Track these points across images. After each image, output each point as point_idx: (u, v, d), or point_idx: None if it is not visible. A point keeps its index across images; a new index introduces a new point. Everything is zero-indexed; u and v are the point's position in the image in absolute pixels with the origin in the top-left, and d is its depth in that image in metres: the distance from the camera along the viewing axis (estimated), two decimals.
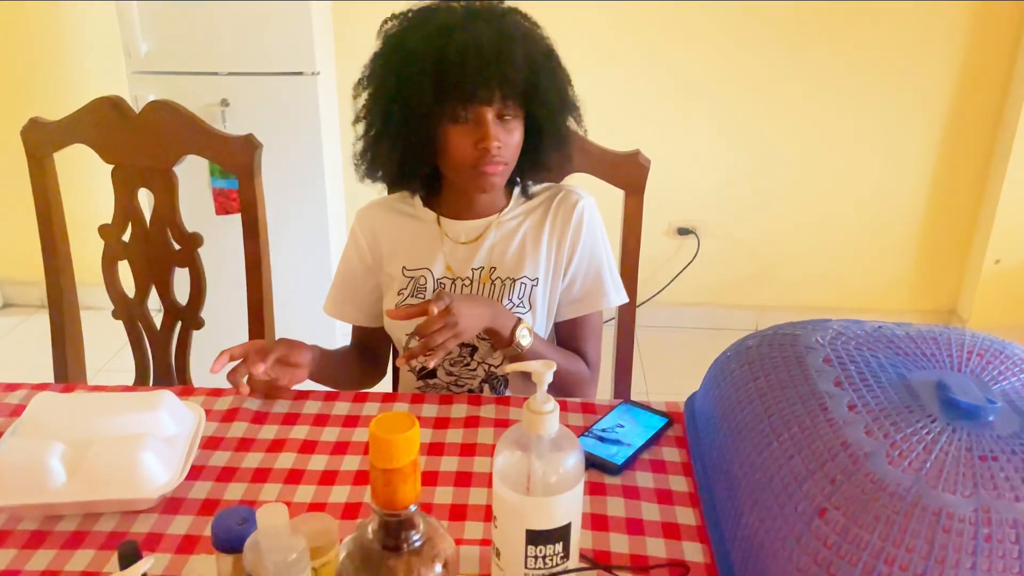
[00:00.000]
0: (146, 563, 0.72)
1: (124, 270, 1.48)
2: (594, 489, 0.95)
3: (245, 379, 1.07)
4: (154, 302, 1.49)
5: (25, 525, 0.89)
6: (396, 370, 1.40)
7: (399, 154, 1.15)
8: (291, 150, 2.34)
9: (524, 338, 1.13)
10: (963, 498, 0.67)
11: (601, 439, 1.03)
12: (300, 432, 1.07)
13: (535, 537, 0.71)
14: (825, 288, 3.01)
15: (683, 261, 2.98)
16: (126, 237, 1.47)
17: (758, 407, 0.85)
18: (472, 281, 1.23)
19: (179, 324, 1.50)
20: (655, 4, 2.66)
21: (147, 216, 1.46)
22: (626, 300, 1.30)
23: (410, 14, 1.13)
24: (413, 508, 0.60)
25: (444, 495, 0.95)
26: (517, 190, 1.26)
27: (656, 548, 0.87)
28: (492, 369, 1.24)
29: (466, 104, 1.08)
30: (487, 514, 0.91)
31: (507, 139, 1.11)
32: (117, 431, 0.96)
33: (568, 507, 0.71)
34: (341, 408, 1.12)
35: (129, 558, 0.72)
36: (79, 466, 0.91)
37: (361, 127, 1.18)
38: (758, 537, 0.76)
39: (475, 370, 1.24)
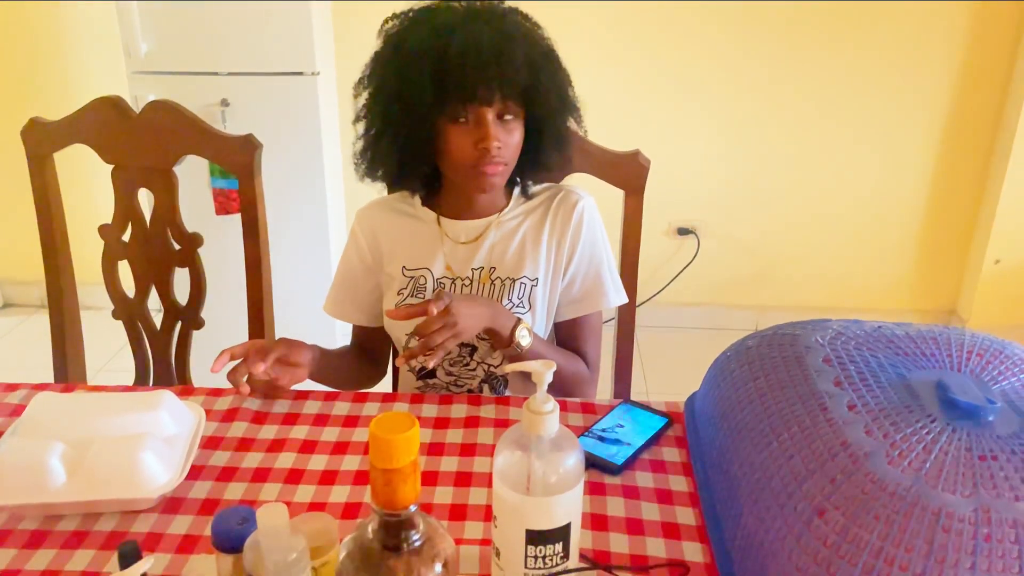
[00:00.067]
0: (146, 563, 0.72)
1: (124, 270, 1.48)
2: (594, 489, 0.95)
3: (245, 378, 1.07)
4: (154, 302, 1.49)
5: (25, 525, 0.89)
6: (396, 370, 1.40)
7: (399, 153, 1.15)
8: (291, 150, 2.34)
9: (524, 338, 1.13)
10: (963, 498, 0.67)
11: (601, 439, 1.03)
12: (300, 432, 1.07)
13: (535, 537, 0.71)
14: (825, 288, 3.01)
15: (683, 261, 2.98)
16: (126, 237, 1.47)
17: (758, 407, 0.85)
18: (472, 281, 1.23)
19: (179, 324, 1.50)
20: (655, 4, 2.66)
21: (147, 216, 1.46)
22: (626, 300, 1.30)
23: (411, 14, 1.13)
24: (413, 508, 0.60)
25: (444, 495, 0.95)
26: (517, 190, 1.26)
27: (656, 548, 0.87)
28: (492, 369, 1.24)
29: (466, 104, 1.08)
30: (487, 514, 0.91)
31: (507, 139, 1.11)
32: (117, 431, 0.96)
33: (568, 507, 0.71)
34: (341, 408, 1.13)
35: (129, 558, 0.72)
36: (79, 466, 0.91)
37: (361, 126, 1.18)
38: (758, 537, 0.76)
39: (475, 370, 1.24)
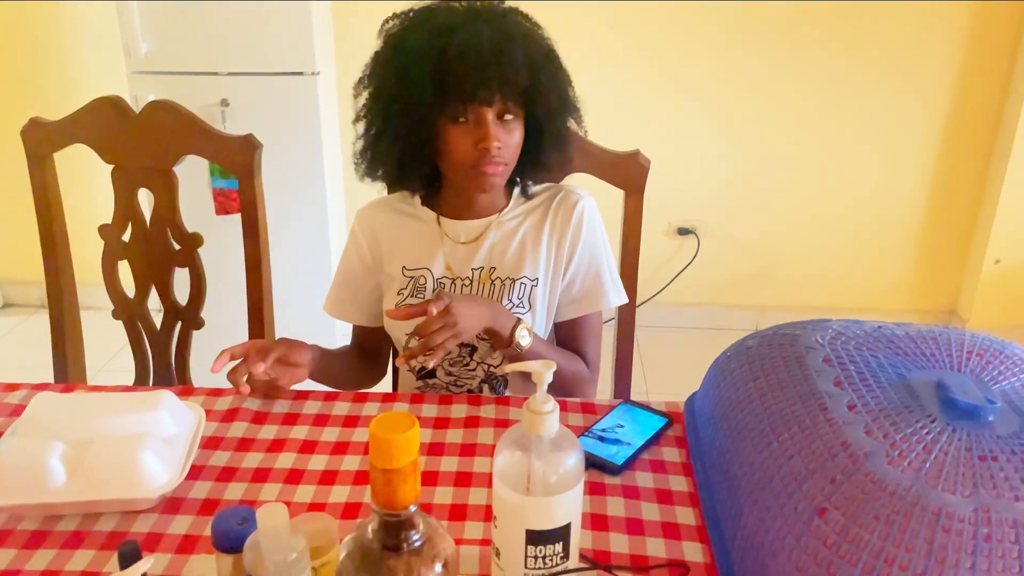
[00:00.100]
0: (146, 563, 0.72)
1: (124, 270, 1.48)
2: (594, 489, 0.95)
3: (245, 378, 1.07)
4: (154, 302, 1.49)
5: (25, 525, 0.89)
6: (396, 370, 1.40)
7: (399, 153, 1.15)
8: (291, 150, 2.34)
9: (524, 338, 1.13)
10: (963, 498, 0.67)
11: (601, 439, 1.03)
12: (300, 432, 1.07)
13: (535, 537, 0.71)
14: (825, 288, 3.01)
15: (683, 261, 2.98)
16: (126, 237, 1.47)
17: (758, 407, 0.85)
18: (472, 281, 1.23)
19: (179, 324, 1.50)
20: (655, 4, 2.66)
21: (147, 216, 1.46)
22: (626, 300, 1.30)
23: (411, 13, 1.13)
24: (413, 508, 0.60)
25: (444, 495, 0.95)
26: (517, 190, 1.26)
27: (656, 548, 0.87)
28: (491, 369, 1.24)
29: (466, 104, 1.08)
30: (487, 514, 0.91)
31: (507, 139, 1.11)
32: (117, 431, 0.96)
33: (568, 507, 0.71)
34: (341, 408, 1.13)
35: (129, 558, 0.72)
36: (79, 466, 0.91)
37: (361, 126, 1.18)
38: (758, 537, 0.76)
39: (474, 370, 1.24)
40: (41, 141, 1.43)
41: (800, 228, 2.94)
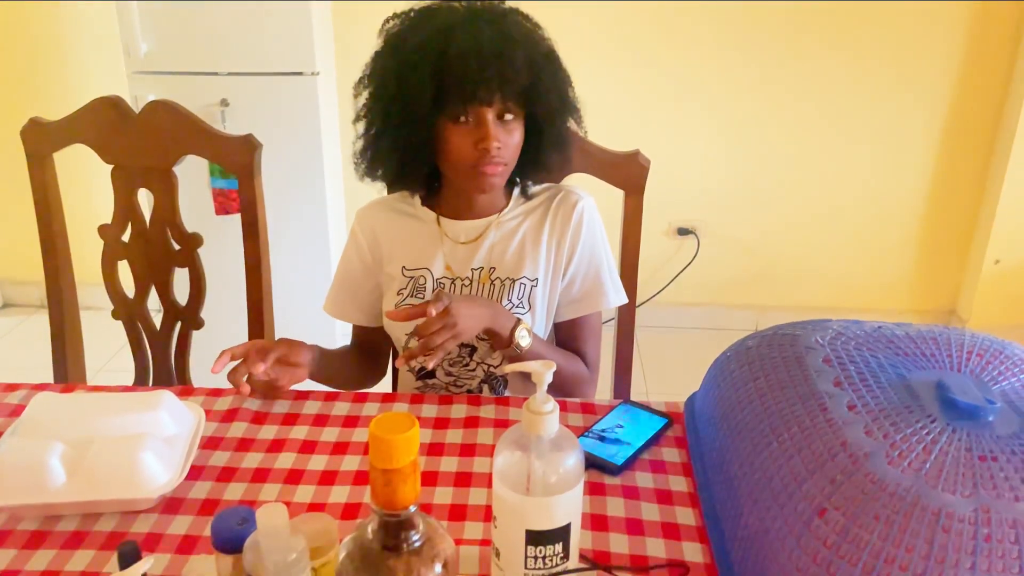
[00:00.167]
0: (146, 563, 0.72)
1: (124, 270, 1.48)
2: (594, 489, 0.95)
3: (245, 379, 1.07)
4: (154, 302, 1.49)
5: (25, 525, 0.89)
6: (396, 370, 1.40)
7: (399, 153, 1.15)
8: (291, 150, 2.34)
9: (523, 339, 1.13)
10: (963, 498, 0.67)
11: (601, 439, 1.03)
12: (300, 432, 1.07)
13: (535, 537, 0.71)
14: (825, 288, 3.01)
15: (683, 261, 2.98)
16: (126, 237, 1.47)
17: (758, 407, 0.85)
18: (471, 281, 1.23)
19: (179, 324, 1.50)
20: (655, 5, 2.66)
21: (147, 216, 1.46)
22: (625, 301, 1.30)
23: (411, 13, 1.13)
24: (413, 508, 0.60)
25: (444, 495, 0.95)
26: (517, 190, 1.26)
27: (656, 548, 0.87)
28: (491, 369, 1.24)
29: (466, 104, 1.08)
30: (487, 514, 0.91)
31: (507, 140, 1.11)
32: (117, 431, 0.96)
33: (568, 507, 0.71)
34: (341, 408, 1.12)
35: (129, 558, 0.72)
36: (79, 466, 0.91)
37: (361, 126, 1.18)
38: (758, 537, 0.76)
39: (474, 370, 1.24)
40: (41, 141, 1.43)
41: (800, 228, 2.94)
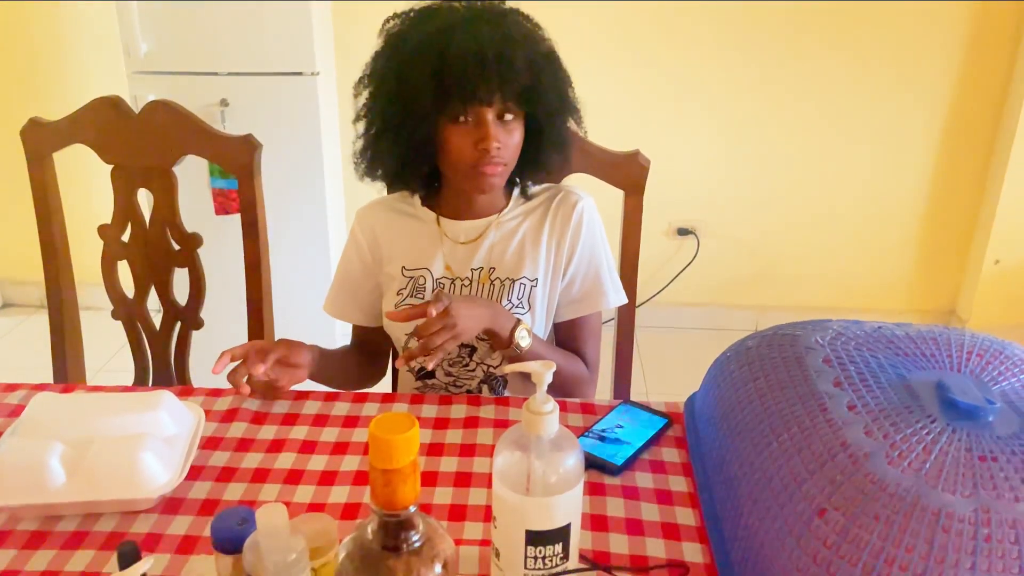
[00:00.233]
0: (146, 563, 0.72)
1: (124, 270, 1.48)
2: (594, 489, 0.95)
3: (245, 379, 1.07)
4: (153, 302, 1.49)
5: (25, 525, 0.89)
6: (395, 370, 1.40)
7: (399, 153, 1.15)
8: (291, 150, 2.34)
9: (523, 339, 1.13)
10: (963, 498, 0.67)
11: (601, 439, 1.03)
12: (300, 432, 1.07)
13: (535, 537, 0.71)
14: (825, 288, 3.01)
15: (683, 261, 2.98)
16: (125, 237, 1.47)
17: (758, 407, 0.85)
18: (471, 281, 1.23)
19: (178, 324, 1.49)
20: (656, 5, 2.66)
21: (147, 216, 1.46)
22: (625, 301, 1.30)
23: (412, 13, 1.13)
24: (412, 509, 0.60)
25: (444, 495, 0.95)
26: (516, 191, 1.26)
27: (656, 548, 0.87)
28: (491, 370, 1.24)
29: (466, 104, 1.08)
30: (487, 514, 0.91)
31: (507, 140, 1.11)
32: (117, 431, 0.96)
33: (568, 507, 0.71)
34: (341, 408, 1.12)
35: (129, 558, 0.72)
36: (79, 466, 0.91)
37: (361, 125, 1.18)
38: (758, 537, 0.76)
39: (474, 371, 1.24)
40: (41, 141, 1.43)
41: (800, 228, 2.94)
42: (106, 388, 1.16)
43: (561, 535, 0.72)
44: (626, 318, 1.43)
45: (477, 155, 1.10)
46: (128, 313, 1.50)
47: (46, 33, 2.79)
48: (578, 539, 0.75)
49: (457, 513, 0.92)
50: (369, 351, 1.35)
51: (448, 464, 1.01)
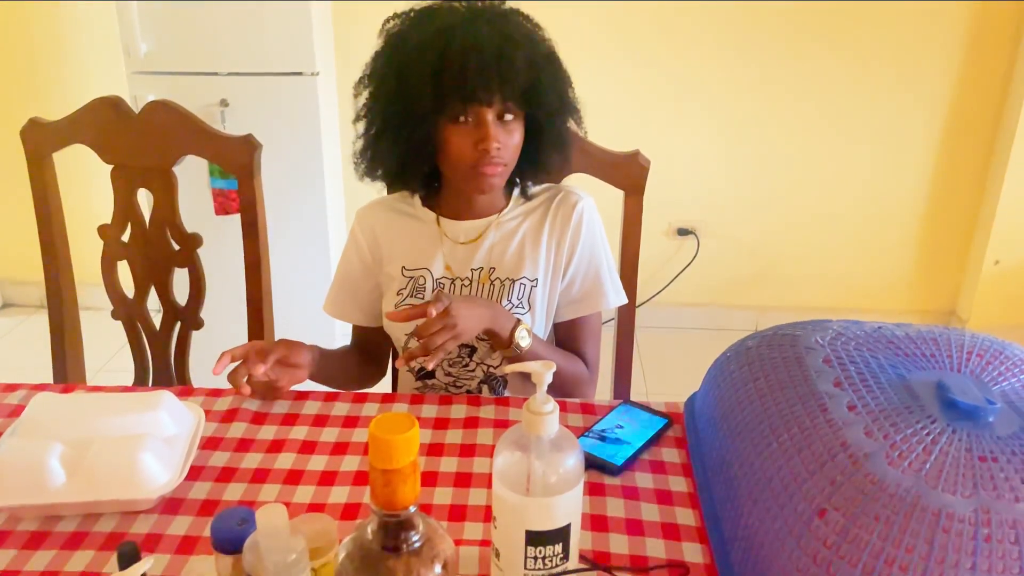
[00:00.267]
0: (145, 564, 0.72)
1: (123, 270, 1.48)
2: (594, 490, 0.95)
3: (245, 379, 1.07)
4: (153, 302, 1.49)
5: (25, 525, 0.89)
6: (395, 370, 1.40)
7: (399, 153, 1.15)
8: (291, 150, 2.34)
9: (523, 339, 1.13)
10: (963, 499, 0.67)
11: (601, 439, 1.03)
12: (300, 432, 1.07)
13: (535, 538, 0.71)
14: (825, 288, 3.01)
15: (683, 261, 2.98)
16: (125, 237, 1.47)
17: (758, 408, 0.85)
18: (471, 281, 1.22)
19: (178, 324, 1.49)
20: (656, 5, 2.66)
21: (147, 216, 1.46)
22: (625, 301, 1.30)
23: (412, 13, 1.13)
24: (412, 509, 0.60)
25: (444, 496, 0.95)
26: (516, 191, 1.26)
27: (656, 549, 0.86)
28: (491, 370, 1.24)
29: (466, 104, 1.08)
30: (487, 515, 0.91)
31: (507, 140, 1.11)
32: (116, 431, 0.96)
33: (568, 508, 0.71)
34: (341, 408, 1.12)
35: (128, 558, 0.72)
36: (79, 466, 0.91)
37: (361, 125, 1.18)
38: (758, 537, 0.76)
39: (474, 371, 1.24)
40: (41, 141, 1.43)
41: (800, 228, 2.94)
42: (106, 388, 1.16)
43: (561, 535, 0.72)
44: (626, 318, 1.42)
45: (477, 155, 1.10)
46: (128, 313, 1.50)
47: (46, 33, 2.79)
48: (578, 539, 0.75)
49: (457, 513, 0.92)
50: (369, 351, 1.35)
51: (448, 464, 1.01)
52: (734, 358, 0.96)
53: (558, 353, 1.23)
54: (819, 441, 0.75)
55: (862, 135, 2.79)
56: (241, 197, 1.43)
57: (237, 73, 2.31)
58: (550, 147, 1.18)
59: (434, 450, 1.03)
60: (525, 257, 1.22)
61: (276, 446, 1.04)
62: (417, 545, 0.61)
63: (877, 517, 0.67)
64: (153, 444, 0.94)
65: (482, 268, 1.22)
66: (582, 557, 0.83)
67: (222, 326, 1.58)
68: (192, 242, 1.45)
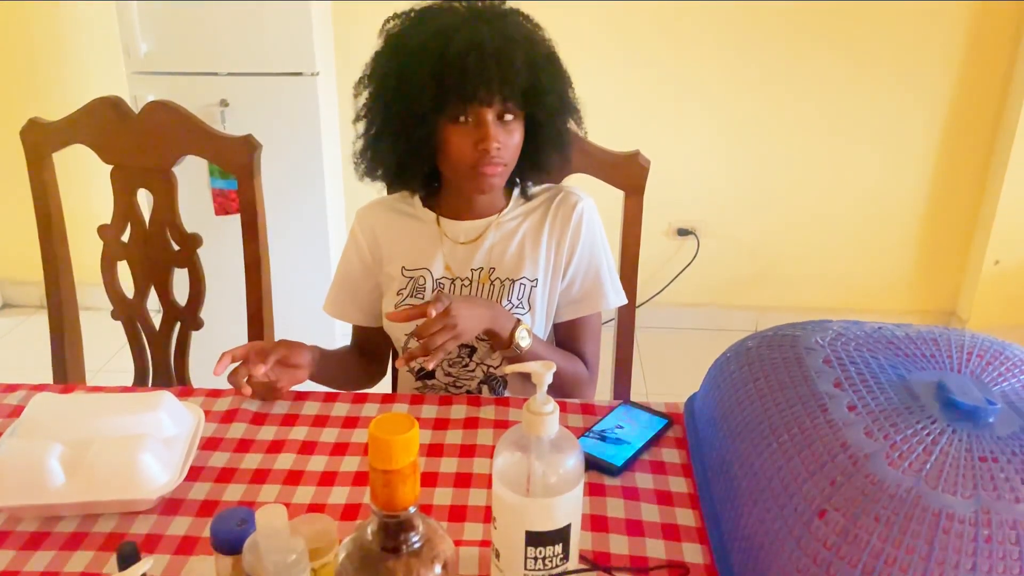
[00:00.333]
0: (145, 564, 0.72)
1: (123, 270, 1.48)
2: (594, 490, 0.95)
3: (246, 380, 1.07)
4: (153, 303, 1.49)
5: (24, 526, 0.89)
6: (395, 371, 1.40)
7: (399, 153, 1.15)
8: (291, 150, 2.34)
9: (523, 339, 1.13)
10: (963, 499, 0.67)
11: (601, 440, 1.03)
12: (299, 433, 1.07)
13: (535, 538, 0.71)
14: (825, 288, 3.01)
15: (683, 262, 2.98)
16: (125, 237, 1.47)
17: (758, 408, 0.85)
18: (471, 282, 1.22)
19: (178, 325, 1.49)
20: (656, 5, 2.66)
21: (146, 217, 1.46)
22: (625, 302, 1.30)
23: (412, 13, 1.13)
24: (412, 509, 0.60)
25: (443, 496, 0.95)
26: (516, 191, 1.26)
27: (656, 549, 0.86)
28: (491, 370, 1.24)
29: (466, 105, 1.08)
30: (487, 515, 0.91)
31: (507, 140, 1.11)
32: (116, 432, 0.96)
33: (568, 508, 0.71)
34: (340, 409, 1.12)
35: (128, 559, 0.72)
36: (78, 467, 0.91)
37: (361, 125, 1.18)
38: (758, 538, 0.76)
39: (474, 371, 1.24)
40: (40, 141, 1.43)
41: (800, 228, 2.94)
42: (106, 388, 1.16)
43: (561, 536, 0.72)
44: (626, 318, 1.42)
45: (477, 155, 1.10)
46: (128, 313, 1.50)
47: (46, 33, 2.79)
48: (578, 540, 0.75)
49: (457, 514, 0.92)
50: (369, 351, 1.35)
51: (448, 465, 1.01)
52: (734, 358, 0.96)
53: (558, 353, 1.23)
54: (819, 441, 0.75)
55: (862, 135, 2.79)
56: (241, 197, 1.43)
57: (237, 73, 2.31)
58: (550, 147, 1.18)
59: (434, 450, 1.03)
60: (525, 257, 1.22)
61: (276, 446, 1.04)
62: (417, 546, 0.61)
63: (877, 518, 0.67)
64: (153, 444, 0.94)
65: (482, 268, 1.22)
66: (582, 558, 0.83)
67: (222, 326, 1.58)
68: (192, 242, 1.45)
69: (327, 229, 2.47)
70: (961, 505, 0.67)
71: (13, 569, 0.83)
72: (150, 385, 1.53)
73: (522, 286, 1.21)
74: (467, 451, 1.03)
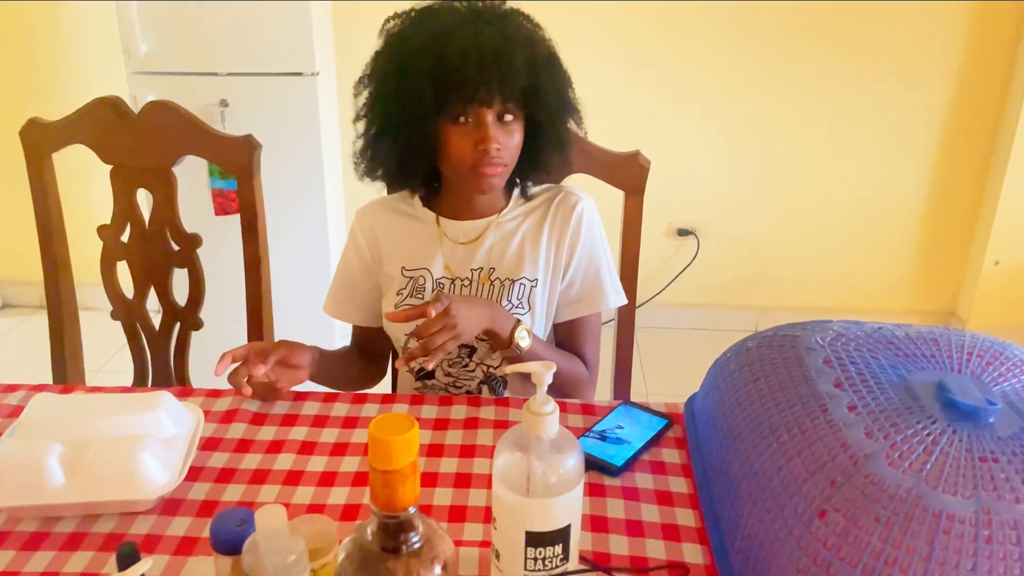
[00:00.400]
0: (145, 564, 0.72)
1: (123, 271, 1.48)
2: (594, 490, 0.95)
3: (246, 380, 1.07)
4: (153, 303, 1.49)
5: (24, 526, 0.89)
6: (395, 371, 1.40)
7: (399, 153, 1.15)
8: (290, 150, 2.34)
9: (523, 339, 1.13)
10: (963, 500, 0.67)
11: (601, 440, 1.03)
12: (299, 433, 1.07)
13: (535, 539, 0.71)
14: (825, 288, 3.01)
15: (683, 262, 2.98)
16: (125, 238, 1.47)
17: (758, 408, 0.84)
18: (471, 282, 1.22)
19: (178, 325, 1.49)
20: (656, 5, 2.66)
21: (146, 217, 1.46)
22: (625, 302, 1.30)
23: (412, 13, 1.13)
24: (412, 510, 0.60)
25: (443, 496, 0.95)
26: (516, 191, 1.26)
27: (656, 549, 0.86)
28: (491, 370, 1.24)
29: (466, 105, 1.08)
30: (487, 516, 0.91)
31: (507, 141, 1.11)
32: (116, 432, 0.96)
33: (568, 508, 0.71)
34: (340, 409, 1.12)
35: (128, 559, 0.72)
36: (78, 467, 0.91)
37: (362, 125, 1.18)
38: (758, 538, 0.76)
39: (473, 371, 1.24)
40: (40, 141, 1.43)
41: (800, 228, 2.94)
42: (105, 389, 1.16)
43: (561, 536, 0.72)
44: (626, 319, 1.42)
45: (477, 156, 1.10)
46: (127, 314, 1.50)
47: (46, 33, 2.79)
48: (578, 540, 0.75)
49: (457, 514, 0.92)
50: (369, 352, 1.35)
51: (448, 465, 1.01)
52: (734, 359, 0.96)
53: (558, 353, 1.23)
54: (819, 442, 0.75)
55: (862, 135, 2.79)
56: (241, 197, 1.43)
57: (237, 73, 2.31)
58: (550, 148, 1.18)
59: (434, 451, 1.03)
60: (525, 257, 1.22)
61: (276, 447, 1.04)
62: (417, 546, 0.61)
63: (877, 518, 0.67)
64: (152, 445, 0.94)
65: (482, 268, 1.22)
66: (582, 558, 0.82)
67: (222, 327, 1.58)
68: (192, 242, 1.45)
69: (327, 229, 2.47)
70: (961, 505, 0.66)
71: (13, 569, 0.83)
72: (150, 385, 1.53)
73: (522, 286, 1.21)
74: (467, 451, 1.03)
